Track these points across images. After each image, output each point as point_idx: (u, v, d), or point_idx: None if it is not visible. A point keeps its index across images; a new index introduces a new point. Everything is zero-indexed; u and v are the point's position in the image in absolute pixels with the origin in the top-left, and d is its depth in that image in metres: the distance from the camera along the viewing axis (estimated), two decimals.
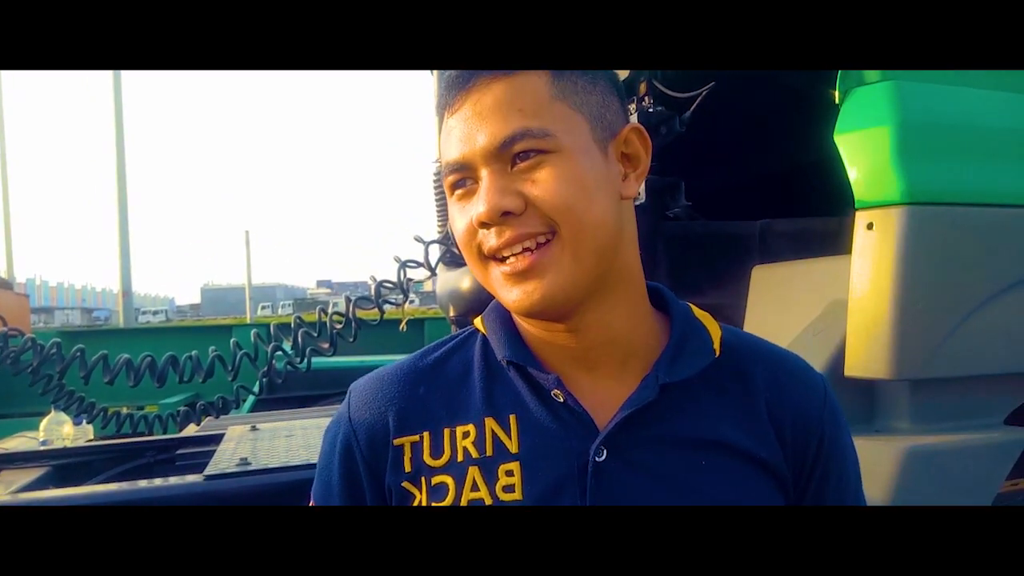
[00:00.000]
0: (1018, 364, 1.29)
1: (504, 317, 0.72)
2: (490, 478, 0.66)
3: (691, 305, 0.75)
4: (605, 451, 0.66)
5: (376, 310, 2.41)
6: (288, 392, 4.22)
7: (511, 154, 0.63)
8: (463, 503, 0.66)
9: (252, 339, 2.32)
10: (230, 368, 2.27)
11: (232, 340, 2.39)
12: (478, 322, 0.75)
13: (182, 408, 2.52)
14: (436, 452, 0.68)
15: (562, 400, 0.67)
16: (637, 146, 0.69)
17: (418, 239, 2.38)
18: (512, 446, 0.67)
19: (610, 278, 0.67)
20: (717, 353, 0.71)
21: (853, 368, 1.24)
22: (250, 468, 1.73)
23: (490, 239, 0.64)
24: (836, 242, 1.54)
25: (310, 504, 0.76)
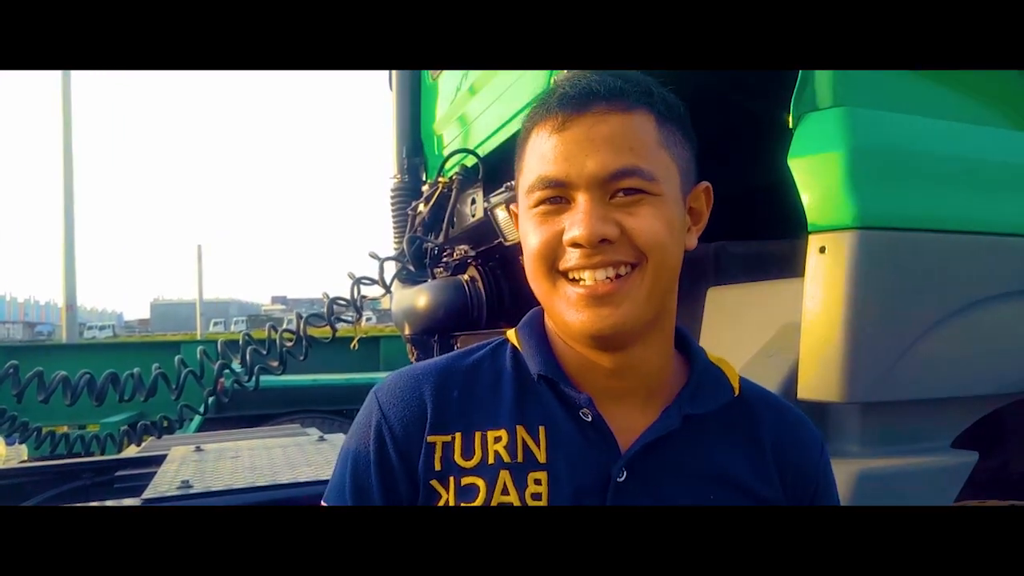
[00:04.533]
0: (964, 388, 1.31)
1: (539, 334, 0.77)
2: (520, 483, 0.69)
3: (703, 348, 0.80)
4: (625, 472, 0.70)
5: (328, 328, 2.36)
6: (237, 411, 4.11)
7: (615, 187, 0.67)
8: (494, 505, 0.69)
9: (199, 356, 2.25)
10: (174, 387, 2.19)
11: (177, 357, 2.31)
12: (511, 335, 0.79)
13: (122, 428, 2.42)
14: (467, 453, 0.71)
15: (590, 419, 0.71)
16: (703, 203, 0.75)
17: (373, 255, 2.35)
18: (540, 456, 0.71)
19: (659, 318, 0.72)
20: (736, 391, 0.77)
21: (805, 390, 1.25)
22: (192, 491, 1.67)
23: (575, 258, 0.67)
24: (791, 265, 1.56)
25: (321, 504, 0.75)
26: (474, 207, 2.26)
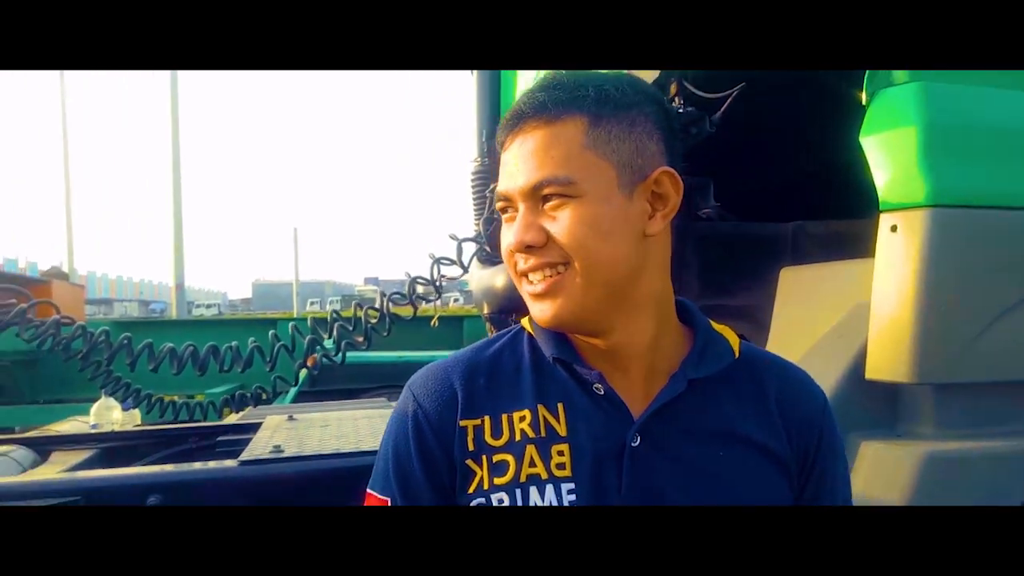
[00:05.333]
0: None
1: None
2: (545, 456, 0.76)
3: (710, 320, 0.86)
4: (639, 437, 0.77)
5: (410, 306, 2.46)
6: (329, 386, 4.33)
7: (540, 195, 0.74)
8: (523, 478, 0.76)
9: (291, 332, 2.39)
10: (268, 359, 2.34)
11: (271, 332, 2.47)
12: (526, 323, 0.86)
13: (223, 398, 2.60)
14: (496, 433, 0.78)
15: (602, 393, 0.78)
16: (667, 187, 0.77)
17: (452, 237, 2.42)
18: (561, 430, 0.78)
19: (635, 301, 0.78)
20: (736, 355, 0.82)
21: (874, 371, 1.23)
22: (282, 455, 1.79)
23: (520, 262, 0.77)
24: (868, 245, 1.53)
25: (366, 492, 0.83)
26: None
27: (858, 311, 1.36)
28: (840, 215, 2.00)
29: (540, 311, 0.76)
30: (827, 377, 1.32)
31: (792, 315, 1.60)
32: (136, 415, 2.85)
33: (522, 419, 0.78)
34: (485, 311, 2.95)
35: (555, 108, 0.74)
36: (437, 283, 2.42)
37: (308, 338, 2.40)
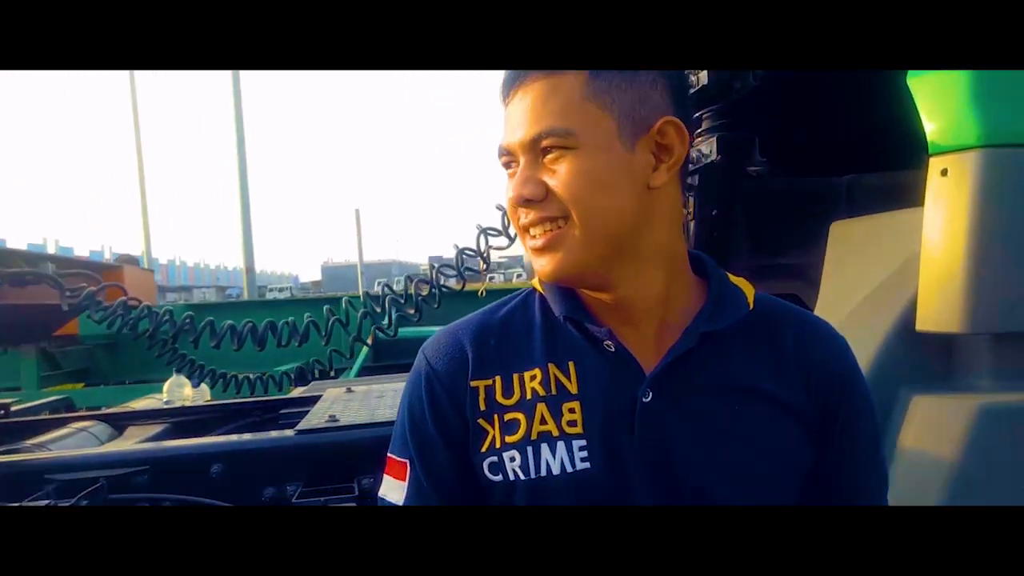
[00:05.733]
0: None
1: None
2: (556, 413, 0.76)
3: (727, 273, 0.84)
4: (651, 393, 0.75)
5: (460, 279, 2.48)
6: (391, 360, 4.43)
7: (540, 148, 0.73)
8: (534, 436, 0.76)
9: (343, 307, 2.46)
10: (323, 333, 2.41)
11: (326, 307, 2.54)
12: (536, 283, 0.85)
13: (282, 373, 2.69)
14: (507, 393, 0.78)
15: (613, 349, 0.77)
16: (672, 137, 0.75)
17: (499, 207, 2.42)
18: (572, 387, 0.77)
19: (640, 254, 0.76)
20: (751, 306, 0.80)
21: (924, 321, 1.18)
22: (337, 424, 1.85)
23: (521, 217, 0.76)
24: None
25: (388, 456, 0.85)
26: None
27: (910, 262, 1.31)
28: (898, 166, 1.91)
29: (541, 266, 0.75)
30: (876, 331, 1.27)
31: (843, 271, 1.54)
32: (206, 391, 2.98)
33: (533, 378, 0.78)
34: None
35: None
36: (484, 254, 2.43)
37: (361, 312, 2.45)
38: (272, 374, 2.78)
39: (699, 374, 0.77)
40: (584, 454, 0.75)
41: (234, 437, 1.96)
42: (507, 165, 0.77)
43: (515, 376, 0.79)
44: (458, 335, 0.83)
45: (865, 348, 1.26)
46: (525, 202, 0.74)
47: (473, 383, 0.79)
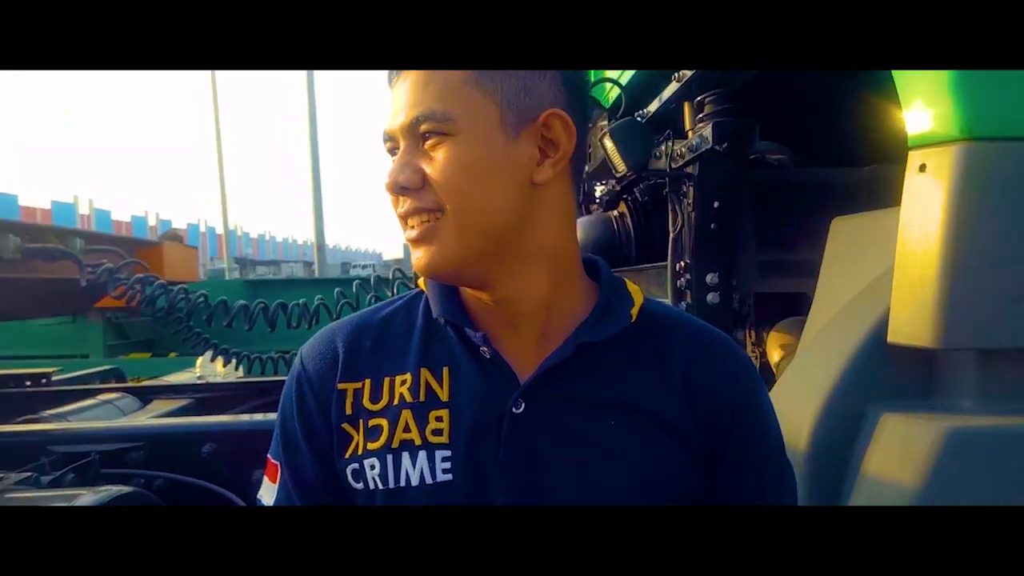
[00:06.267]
0: None
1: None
2: (421, 421, 0.73)
3: (627, 280, 0.81)
4: (523, 403, 0.72)
5: None
6: None
7: (418, 133, 0.69)
8: (395, 444, 0.73)
9: (354, 289, 2.47)
10: (334, 315, 2.43)
11: (337, 290, 2.56)
12: (422, 283, 0.81)
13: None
14: (375, 397, 0.75)
15: (488, 356, 0.73)
16: (558, 131, 0.71)
17: None
18: (443, 395, 0.74)
19: (522, 254, 0.73)
20: (632, 319, 0.76)
21: (895, 333, 1.07)
22: None
23: (399, 205, 0.72)
24: None
25: (267, 457, 0.82)
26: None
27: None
28: None
29: (416, 258, 0.72)
30: (850, 339, 1.17)
31: (839, 270, 1.43)
32: (236, 368, 3.07)
33: (403, 383, 0.75)
34: None
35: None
36: None
37: (371, 295, 2.46)
38: (283, 354, 2.84)
39: (575, 387, 0.73)
40: (447, 465, 0.72)
41: (227, 417, 2.01)
42: (391, 151, 0.73)
43: (386, 380, 0.76)
44: (332, 335, 0.80)
45: (837, 357, 1.16)
46: (400, 189, 0.70)
47: (340, 386, 0.76)
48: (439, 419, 0.73)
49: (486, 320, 0.75)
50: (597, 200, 2.81)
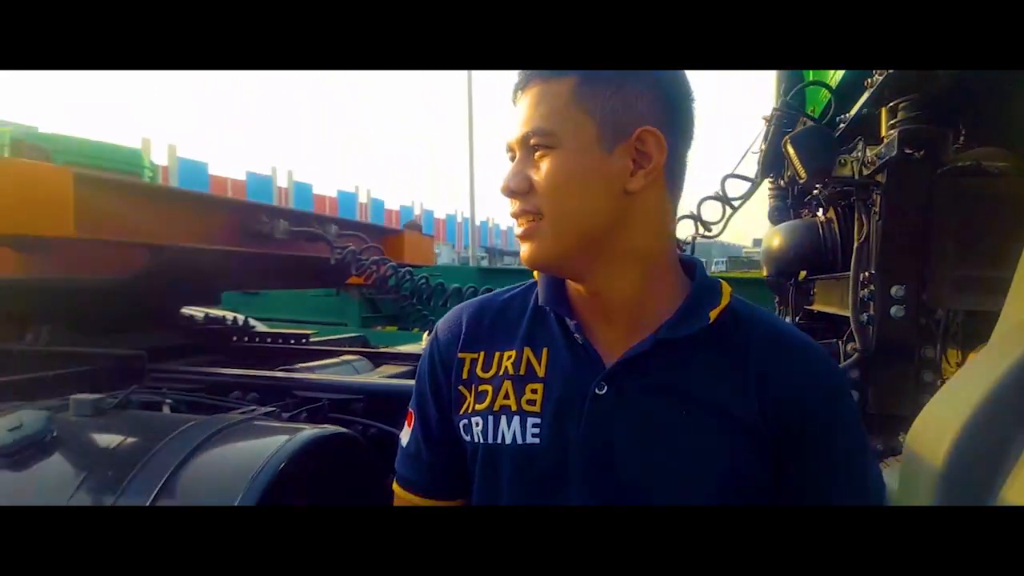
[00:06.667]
0: None
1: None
2: (519, 391, 0.86)
3: (722, 282, 0.88)
4: (605, 387, 0.83)
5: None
6: None
7: (529, 145, 0.82)
8: (496, 407, 0.87)
9: None
10: None
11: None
12: (536, 274, 0.93)
13: None
14: (486, 367, 0.90)
15: (580, 342, 0.85)
16: (650, 146, 0.81)
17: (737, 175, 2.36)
18: (540, 371, 0.87)
19: (615, 253, 0.83)
20: (711, 320, 0.83)
21: None
22: None
23: (510, 206, 0.85)
24: None
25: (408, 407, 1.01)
26: None
27: None
28: None
29: (522, 252, 0.85)
30: (1003, 363, 1.10)
31: None
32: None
33: (509, 358, 0.89)
34: (764, 273, 2.84)
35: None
36: (691, 239, 2.43)
37: None
38: None
39: (653, 377, 0.82)
40: (536, 431, 0.84)
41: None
42: (511, 160, 0.86)
43: (496, 354, 0.90)
44: (461, 312, 0.97)
45: (989, 381, 1.11)
46: (510, 193, 0.83)
47: (460, 355, 0.92)
48: (534, 391, 0.85)
49: (584, 310, 0.87)
50: (807, 205, 2.72)
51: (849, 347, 1.76)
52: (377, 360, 3.02)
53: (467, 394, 0.90)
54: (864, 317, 1.73)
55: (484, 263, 22.18)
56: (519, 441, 0.85)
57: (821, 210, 2.46)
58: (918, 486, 1.22)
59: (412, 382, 2.54)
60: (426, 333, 3.49)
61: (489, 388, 0.88)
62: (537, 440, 0.84)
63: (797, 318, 2.84)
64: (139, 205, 2.13)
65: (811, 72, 2.56)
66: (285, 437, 1.58)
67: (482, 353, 0.91)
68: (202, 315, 3.22)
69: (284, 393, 2.14)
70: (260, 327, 3.53)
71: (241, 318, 3.29)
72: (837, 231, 2.43)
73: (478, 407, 0.88)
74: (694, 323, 0.83)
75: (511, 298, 0.96)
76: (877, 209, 1.67)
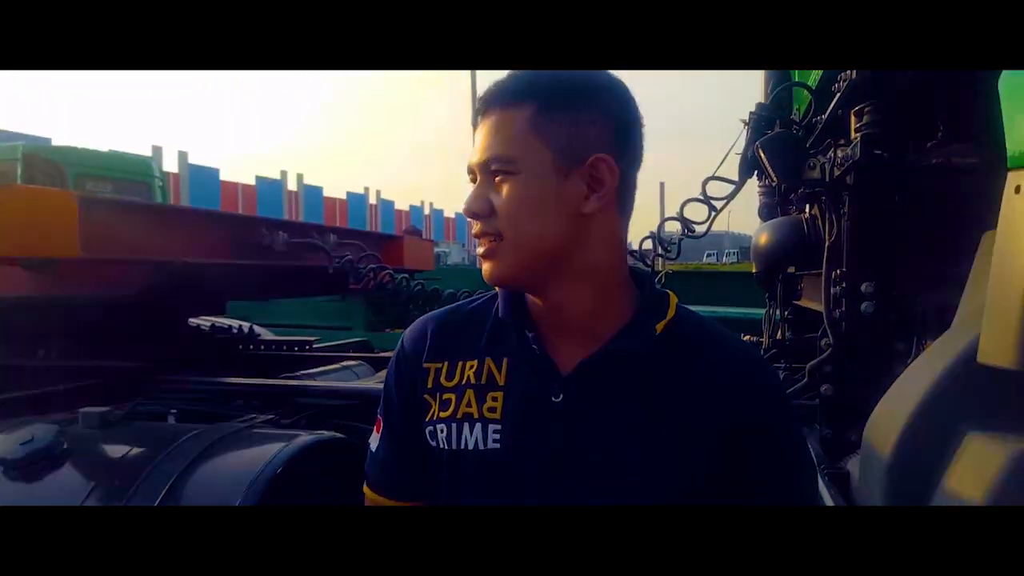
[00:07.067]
0: None
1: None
2: (480, 400, 0.91)
3: (670, 293, 0.93)
4: (562, 395, 0.88)
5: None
6: None
7: (489, 170, 0.86)
8: (459, 415, 0.91)
9: None
10: None
11: None
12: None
13: None
14: (450, 377, 0.94)
15: (538, 353, 0.89)
16: (603, 172, 0.85)
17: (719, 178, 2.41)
18: (500, 380, 0.91)
19: (572, 271, 0.87)
20: (657, 331, 0.89)
21: (985, 354, 1.06)
22: None
23: (473, 226, 0.89)
24: None
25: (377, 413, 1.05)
26: None
27: None
28: None
29: (484, 270, 0.88)
30: (947, 358, 1.17)
31: (981, 286, 1.38)
32: None
33: (471, 367, 0.93)
34: (754, 270, 2.89)
35: (511, 96, 0.86)
36: (684, 232, 2.48)
37: None
38: None
39: (605, 386, 0.87)
40: (496, 436, 0.89)
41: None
42: (472, 181, 0.89)
43: (459, 363, 0.94)
44: (426, 323, 1.01)
45: (934, 372, 1.17)
46: (472, 215, 0.87)
47: (426, 365, 0.95)
48: (495, 399, 0.89)
49: (542, 323, 0.92)
50: (792, 202, 2.77)
51: (823, 342, 1.82)
52: (378, 365, 3.09)
53: (432, 402, 0.94)
54: (837, 313, 1.78)
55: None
56: (481, 447, 0.89)
57: (807, 207, 2.50)
58: (872, 477, 1.29)
59: None
60: None
61: (452, 396, 0.92)
62: (497, 445, 0.89)
63: (786, 313, 2.90)
64: (143, 223, 2.21)
65: (797, 72, 2.62)
66: (282, 443, 1.66)
67: (446, 363, 0.95)
68: (209, 325, 3.31)
69: (285, 400, 2.21)
70: (266, 334, 3.62)
71: (247, 326, 3.38)
72: (822, 227, 2.49)
73: (442, 415, 0.92)
74: (642, 334, 0.88)
75: (474, 310, 0.99)
76: (846, 209, 1.73)
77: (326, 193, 28.58)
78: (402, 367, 1.00)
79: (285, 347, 3.22)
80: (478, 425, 0.90)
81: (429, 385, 0.95)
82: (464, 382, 0.93)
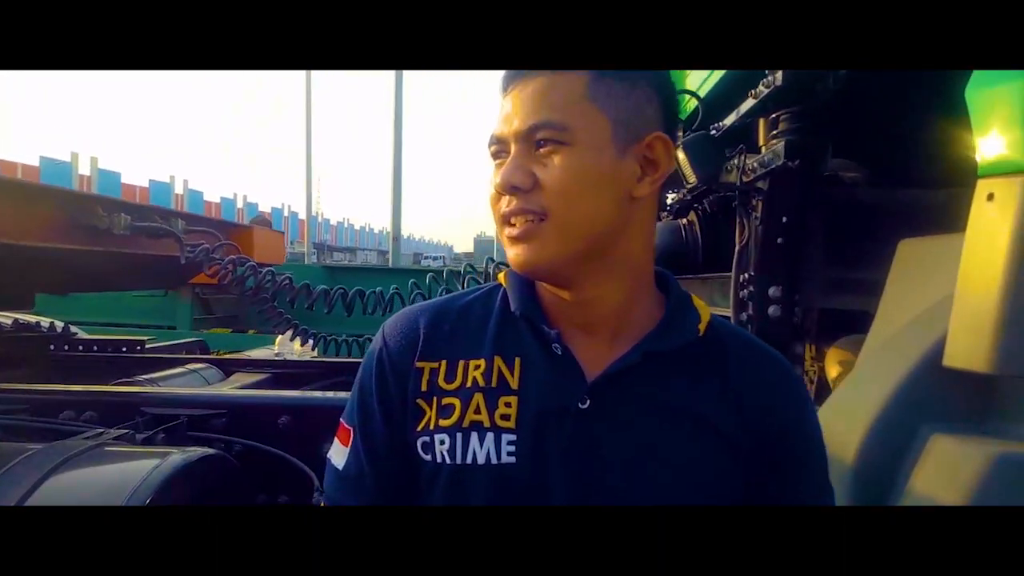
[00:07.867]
0: None
1: (524, 276, 0.83)
2: (491, 405, 0.78)
3: (692, 295, 0.85)
4: (589, 400, 0.77)
5: None
6: None
7: (534, 139, 0.74)
8: (465, 423, 0.78)
9: (427, 281, 2.58)
10: (406, 305, 2.55)
11: (411, 281, 2.68)
12: (501, 277, 0.87)
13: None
14: (450, 378, 0.80)
15: (560, 352, 0.78)
16: (659, 152, 0.77)
17: None
18: (513, 383, 0.79)
19: (608, 261, 0.77)
20: (701, 333, 0.81)
21: (951, 357, 1.08)
22: None
23: (503, 205, 0.76)
24: None
25: (341, 421, 0.88)
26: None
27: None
28: None
29: (515, 255, 0.76)
30: (907, 361, 1.18)
31: (903, 291, 1.43)
32: (309, 348, 3.22)
33: (477, 368, 0.80)
34: None
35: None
36: None
37: (442, 288, 2.56)
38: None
39: (638, 390, 0.78)
40: (511, 448, 0.76)
41: (302, 393, 2.13)
42: (496, 155, 0.78)
43: (460, 363, 0.81)
44: (416, 315, 0.85)
45: (892, 376, 1.18)
46: (512, 189, 0.74)
47: (419, 364, 0.81)
48: (508, 405, 0.77)
49: (560, 319, 0.81)
50: (668, 208, 2.83)
51: None
52: (227, 368, 2.77)
53: (427, 408, 0.80)
54: (744, 316, 1.80)
55: (314, 259, 21.37)
56: (493, 460, 0.77)
57: (692, 212, 2.55)
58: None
59: (281, 392, 2.36)
60: (282, 336, 3.26)
61: (456, 401, 0.79)
62: (513, 459, 0.77)
63: None
64: None
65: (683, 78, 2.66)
66: (151, 464, 1.38)
67: (444, 362, 0.81)
68: (10, 321, 2.79)
69: (130, 411, 1.88)
70: (81, 334, 3.13)
71: (60, 324, 2.89)
72: (699, 234, 2.55)
73: (443, 423, 0.79)
74: (681, 336, 0.80)
75: (471, 302, 0.87)
76: (757, 214, 1.75)
77: (124, 180, 26.06)
78: (384, 366, 0.83)
79: (111, 348, 2.78)
80: (489, 435, 0.77)
81: (424, 388, 0.81)
82: (470, 385, 0.80)
